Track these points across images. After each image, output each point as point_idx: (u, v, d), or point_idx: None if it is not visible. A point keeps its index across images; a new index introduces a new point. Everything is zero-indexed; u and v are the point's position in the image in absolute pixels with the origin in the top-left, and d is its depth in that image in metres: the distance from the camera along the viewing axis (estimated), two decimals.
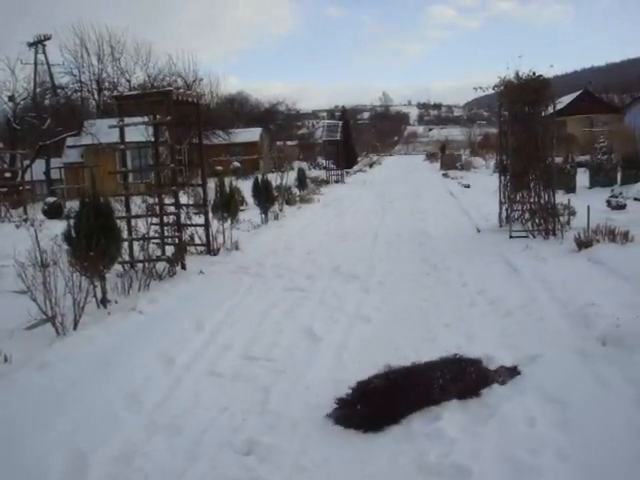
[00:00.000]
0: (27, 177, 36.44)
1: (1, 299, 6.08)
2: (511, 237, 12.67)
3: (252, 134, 57.01)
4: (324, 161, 48.22)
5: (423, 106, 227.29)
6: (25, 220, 21.53)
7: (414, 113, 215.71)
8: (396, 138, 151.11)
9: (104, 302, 8.57)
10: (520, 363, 5.73)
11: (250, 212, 18.72)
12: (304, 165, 47.92)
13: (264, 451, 4.49)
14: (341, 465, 4.28)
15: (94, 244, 8.03)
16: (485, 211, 16.89)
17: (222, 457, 4.46)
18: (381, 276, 10.13)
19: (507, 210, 13.95)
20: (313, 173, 42.23)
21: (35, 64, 48.34)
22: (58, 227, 11.16)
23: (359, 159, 68.26)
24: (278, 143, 60.62)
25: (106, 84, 52.17)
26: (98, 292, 8.49)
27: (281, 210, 20.26)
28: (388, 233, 15.17)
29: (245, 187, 21.12)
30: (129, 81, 51.99)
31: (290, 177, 26.23)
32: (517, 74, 13.22)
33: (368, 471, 4.19)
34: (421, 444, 4.44)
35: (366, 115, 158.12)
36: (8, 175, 37.13)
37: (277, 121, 79.85)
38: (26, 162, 37.47)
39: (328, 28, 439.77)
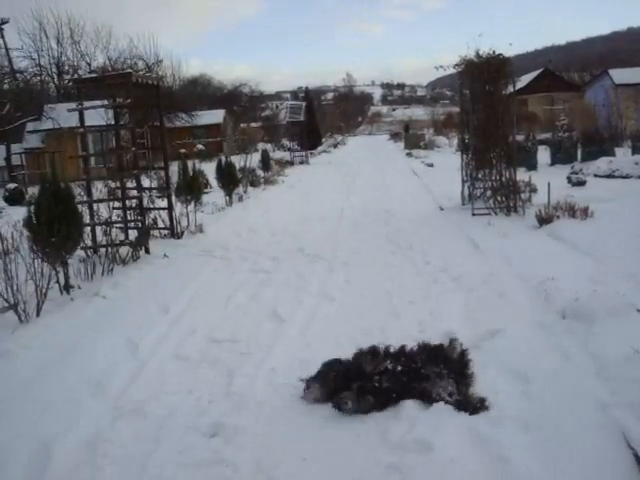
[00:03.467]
0: None
1: None
2: (474, 215, 12.81)
3: (215, 116, 56.53)
4: (288, 142, 48.12)
5: (387, 86, 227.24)
6: None
7: (378, 93, 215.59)
8: (360, 118, 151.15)
9: (67, 288, 8.49)
10: (482, 338, 5.83)
11: (214, 194, 18.62)
12: (268, 147, 47.79)
13: (230, 433, 4.50)
14: (307, 444, 4.32)
15: (55, 230, 7.94)
16: (448, 189, 17.00)
17: (188, 440, 4.46)
18: (346, 256, 10.17)
19: (469, 188, 14.07)
20: (277, 155, 42.13)
21: None
22: (19, 213, 11.00)
23: (323, 140, 68.15)
24: (242, 125, 60.30)
25: (66, 68, 51.46)
26: (61, 278, 8.40)
27: (245, 192, 20.19)
28: (353, 213, 15.24)
29: (209, 169, 20.99)
30: (89, 64, 51.29)
31: (254, 159, 26.11)
32: (477, 53, 13.31)
33: (335, 447, 4.24)
34: (383, 424, 4.49)
35: (330, 96, 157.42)
36: None
37: (241, 103, 79.33)
38: None
39: (292, 9, 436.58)
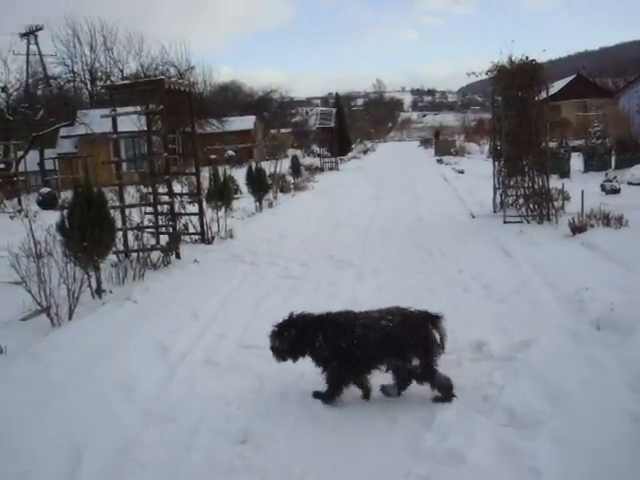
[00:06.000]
0: (21, 168, 36.37)
1: None
2: (505, 222, 12.68)
3: (246, 122, 56.75)
4: (318, 148, 48.16)
5: (417, 92, 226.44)
6: (19, 211, 21.47)
7: (408, 99, 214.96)
8: (390, 124, 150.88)
9: (99, 292, 8.57)
10: (515, 348, 5.76)
11: (244, 200, 18.69)
12: (298, 153, 47.84)
13: (259, 439, 4.49)
14: (337, 452, 4.29)
15: (88, 234, 8.02)
16: (479, 197, 16.89)
17: (217, 446, 4.46)
18: (376, 263, 10.12)
19: (501, 195, 13.94)
20: (307, 161, 42.19)
21: (27, 55, 48.21)
22: (53, 218, 11.11)
23: (353, 146, 68.19)
24: (272, 131, 60.42)
25: (99, 74, 51.95)
26: (93, 282, 8.49)
27: (275, 198, 20.25)
28: (383, 220, 15.18)
29: (239, 175, 21.07)
30: (122, 71, 51.71)
31: (284, 165, 26.17)
32: (510, 59, 13.19)
33: (363, 456, 4.21)
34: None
35: (360, 102, 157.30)
36: (2, 166, 37.07)
37: (271, 109, 79.59)
38: (20, 153, 37.35)
39: (322, 15, 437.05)
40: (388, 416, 4.73)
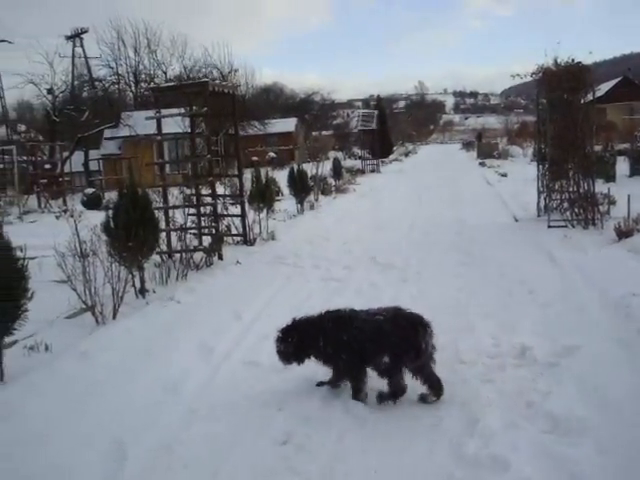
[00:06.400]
0: (66, 169, 37.02)
1: (42, 289, 6.19)
2: (550, 227, 12.51)
3: (287, 124, 57.04)
4: (359, 151, 48.15)
5: (459, 94, 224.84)
6: (65, 211, 21.84)
7: (450, 101, 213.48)
8: (432, 127, 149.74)
9: (142, 292, 8.68)
10: (559, 353, 5.68)
11: (286, 202, 18.75)
12: (339, 155, 47.86)
13: (300, 441, 4.51)
14: (378, 455, 4.29)
15: (133, 235, 8.13)
16: (523, 200, 16.69)
17: (259, 446, 4.48)
18: (418, 266, 10.08)
19: (545, 199, 13.77)
20: (348, 163, 42.13)
21: (73, 57, 49.02)
22: (97, 218, 11.27)
23: (395, 148, 67.94)
24: (313, 133, 60.59)
25: (143, 76, 52.63)
26: (137, 282, 8.61)
27: (317, 200, 20.27)
28: (425, 222, 15.09)
29: (281, 177, 21.15)
30: (165, 73, 52.31)
31: (325, 167, 26.19)
32: (555, 61, 13.04)
33: (406, 460, 4.19)
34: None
35: (402, 104, 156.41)
36: (48, 167, 37.76)
37: (312, 111, 79.72)
38: (65, 154, 38.09)
39: (364, 17, 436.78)
40: (430, 420, 4.71)
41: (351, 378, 5.19)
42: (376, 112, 46.33)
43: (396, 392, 5.00)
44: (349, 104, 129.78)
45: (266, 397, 5.30)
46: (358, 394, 5.11)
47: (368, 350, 5.03)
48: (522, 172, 25.51)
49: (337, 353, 5.12)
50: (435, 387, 5.01)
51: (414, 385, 5.03)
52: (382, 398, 5.01)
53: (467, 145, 71.61)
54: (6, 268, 5.67)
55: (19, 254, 5.91)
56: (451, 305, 7.73)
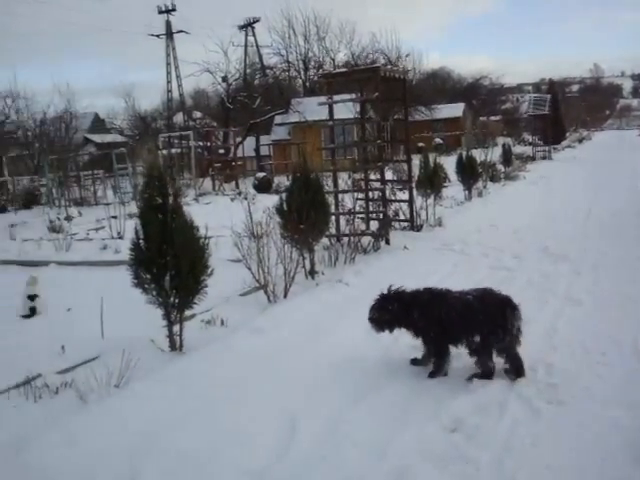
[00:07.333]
0: (239, 153, 38.64)
1: (218, 267, 6.52)
2: None
3: (454, 109, 56.26)
4: (529, 137, 46.57)
5: (638, 77, 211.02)
6: (239, 193, 22.84)
7: (628, 85, 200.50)
8: (607, 112, 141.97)
9: (312, 273, 8.90)
10: None
11: (453, 189, 18.51)
12: (508, 141, 46.56)
13: (470, 430, 4.42)
14: (552, 451, 4.14)
15: (304, 217, 8.35)
16: None
17: (428, 431, 4.45)
18: (594, 259, 9.54)
19: None
20: (518, 149, 40.83)
21: (245, 46, 51.20)
22: (268, 201, 11.71)
23: (567, 134, 65.02)
24: (481, 118, 59.32)
25: (312, 63, 53.80)
26: (307, 263, 8.84)
27: (485, 187, 19.86)
28: (602, 213, 14.26)
29: (447, 163, 20.89)
30: (333, 60, 53.18)
31: (494, 153, 25.54)
32: None
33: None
34: None
35: (575, 88, 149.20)
36: (221, 151, 39.61)
37: (480, 96, 77.93)
38: (238, 139, 39.72)
39: None
40: (608, 413, 4.50)
41: (435, 353, 5.40)
42: (549, 96, 44.49)
43: (485, 372, 5.16)
44: (519, 88, 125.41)
45: (437, 383, 5.26)
46: (438, 371, 5.34)
47: (457, 328, 5.24)
48: None
49: (427, 327, 5.36)
50: (517, 368, 5.15)
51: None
52: (472, 377, 5.17)
53: None
54: (189, 245, 5.99)
55: (201, 233, 6.23)
56: (631, 303, 7.20)
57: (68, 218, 19.54)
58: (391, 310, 5.49)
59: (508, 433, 4.38)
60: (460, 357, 5.43)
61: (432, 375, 5.34)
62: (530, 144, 42.08)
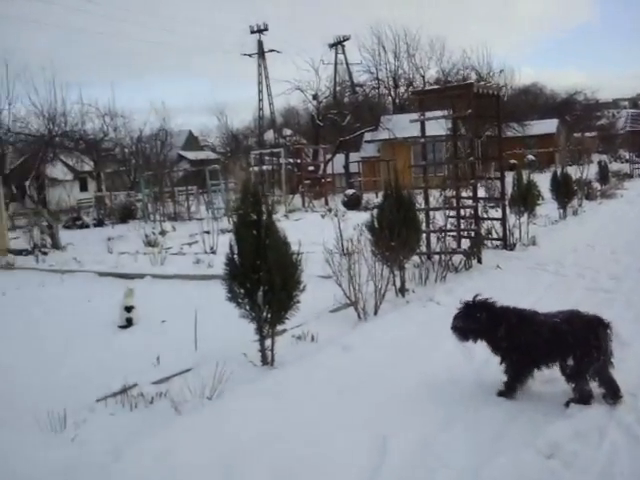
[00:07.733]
0: (328, 170, 38.93)
1: (308, 283, 6.58)
2: None
3: (547, 126, 54.93)
4: (627, 153, 45.04)
5: None
6: (329, 210, 22.98)
7: None
8: None
9: (402, 291, 8.85)
10: None
11: (546, 207, 18.05)
12: (604, 157, 45.16)
13: (568, 456, 4.26)
14: None
15: (395, 234, 8.32)
16: None
17: (523, 456, 4.32)
18: None
19: None
20: (614, 166, 39.57)
21: (335, 64, 51.82)
22: (357, 218, 11.74)
23: None
24: (575, 135, 57.75)
25: (402, 80, 53.82)
26: (397, 281, 8.80)
27: (580, 205, 19.30)
28: None
29: (540, 181, 20.42)
30: (423, 76, 53.11)
31: (590, 170, 24.82)
32: None
33: None
34: None
35: None
36: (311, 168, 40.03)
37: (574, 112, 75.88)
38: (328, 156, 40.05)
39: (630, 11, 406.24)
40: None
41: (511, 374, 5.26)
42: None
43: (583, 397, 4.94)
44: (615, 104, 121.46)
45: (529, 405, 5.12)
46: (508, 393, 5.23)
47: (541, 353, 5.13)
48: None
49: (509, 350, 5.25)
50: (614, 391, 4.94)
51: None
52: (570, 402, 4.97)
53: None
54: (282, 261, 6.07)
55: (293, 249, 6.30)
56: None
57: (162, 232, 20.15)
58: (479, 319, 5.37)
59: (607, 461, 4.21)
60: (556, 382, 5.26)
61: (501, 394, 5.26)
62: (627, 161, 40.72)
